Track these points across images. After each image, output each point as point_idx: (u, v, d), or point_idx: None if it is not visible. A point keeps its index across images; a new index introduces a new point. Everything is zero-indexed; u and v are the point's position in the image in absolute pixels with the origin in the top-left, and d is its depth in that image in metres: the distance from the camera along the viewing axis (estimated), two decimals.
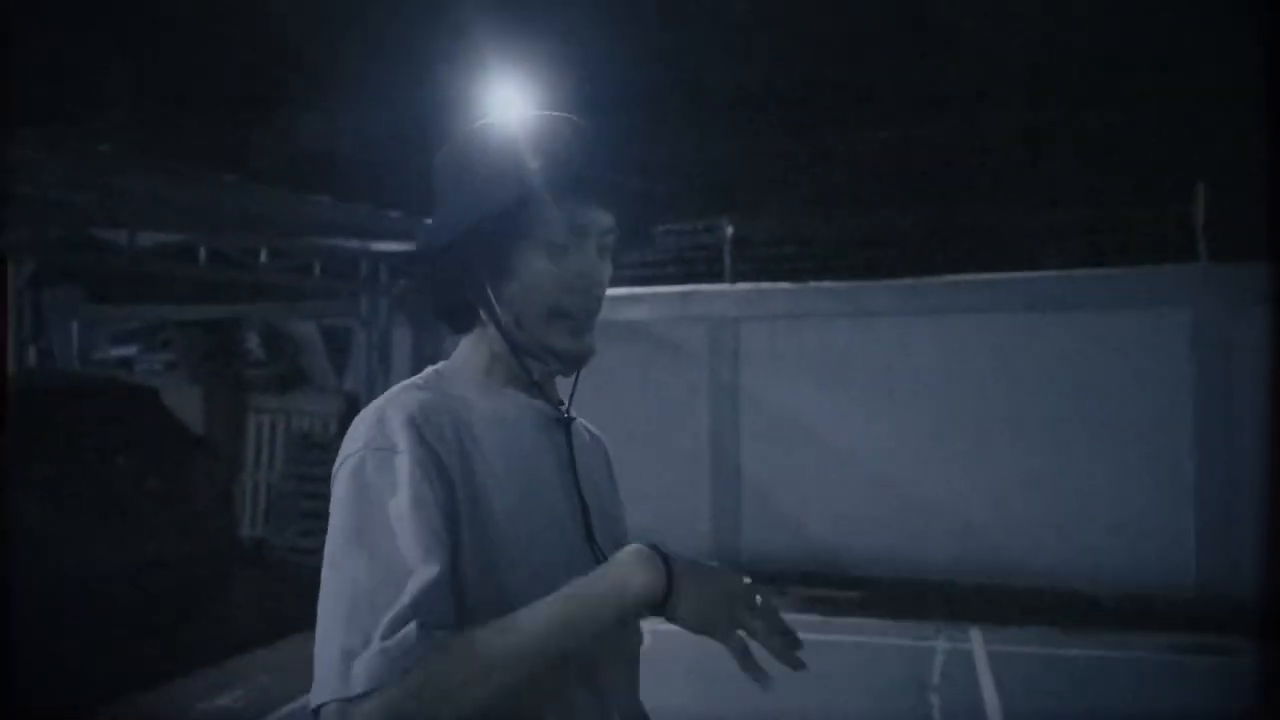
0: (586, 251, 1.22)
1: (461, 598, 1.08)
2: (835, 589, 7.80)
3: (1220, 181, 7.39)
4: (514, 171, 1.19)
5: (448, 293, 1.27)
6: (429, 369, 1.29)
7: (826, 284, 8.44)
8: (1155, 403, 7.40)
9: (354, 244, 8.82)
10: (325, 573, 1.08)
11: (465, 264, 1.23)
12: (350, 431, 1.16)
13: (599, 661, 1.19)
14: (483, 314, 1.25)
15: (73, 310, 10.97)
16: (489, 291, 1.23)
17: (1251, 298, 6.77)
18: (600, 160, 1.24)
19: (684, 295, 8.76)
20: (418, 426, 1.12)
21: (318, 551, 1.11)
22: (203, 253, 8.39)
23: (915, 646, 6.56)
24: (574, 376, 1.33)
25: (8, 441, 5.35)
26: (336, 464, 1.14)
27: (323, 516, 1.15)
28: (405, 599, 1.01)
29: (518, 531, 1.15)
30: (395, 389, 1.22)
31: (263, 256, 8.80)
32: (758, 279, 8.77)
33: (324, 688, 1.00)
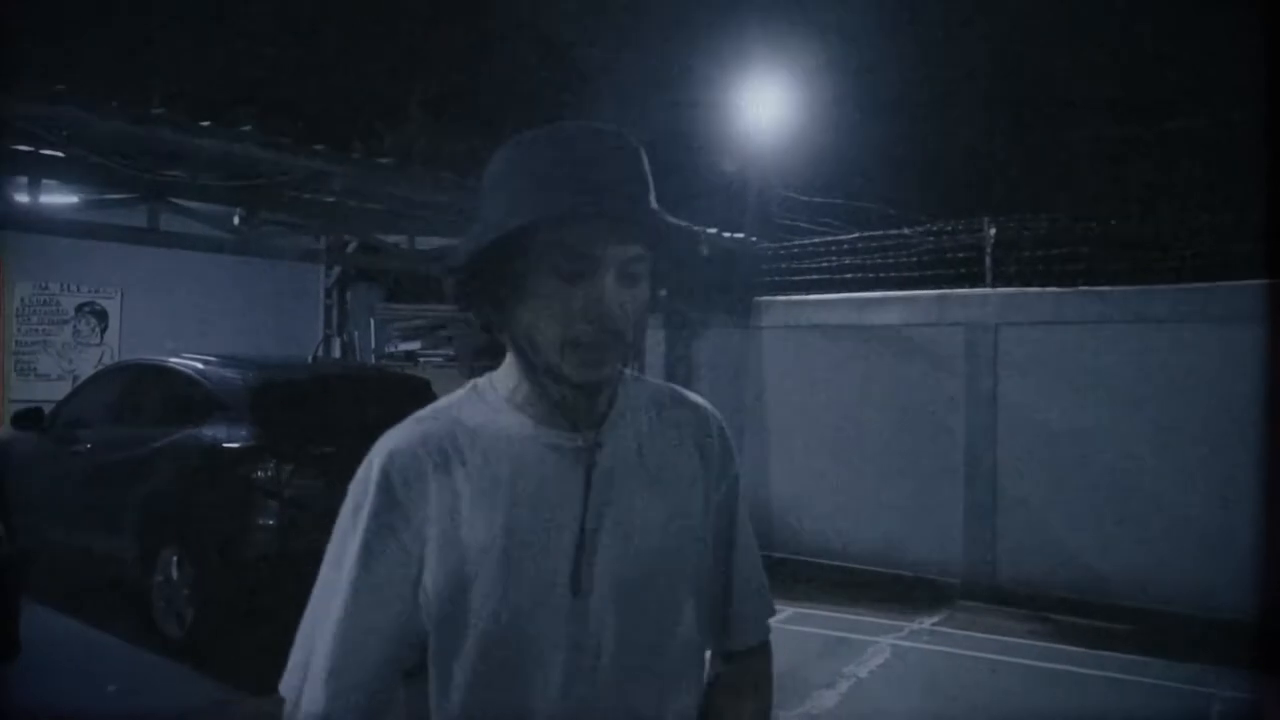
0: (602, 279, 1.17)
1: (431, 614, 1.20)
2: (1103, 620, 7.12)
3: None
4: (532, 193, 1.16)
5: (475, 308, 1.27)
6: (471, 381, 1.34)
7: (1099, 288, 7.72)
8: None
9: None
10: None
11: (484, 282, 1.23)
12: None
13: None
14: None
15: (370, 308, 12.21)
16: (504, 312, 1.24)
17: None
18: (632, 185, 1.20)
19: (939, 299, 8.30)
20: (387, 473, 1.20)
21: None
22: None
23: (1190, 690, 5.88)
24: (613, 398, 1.29)
25: (301, 425, 6.07)
26: None
27: None
28: (322, 701, 1.16)
29: (489, 560, 1.18)
30: (409, 418, 1.27)
31: None
32: (1024, 283, 8.19)
33: (286, 680, 1.21)
